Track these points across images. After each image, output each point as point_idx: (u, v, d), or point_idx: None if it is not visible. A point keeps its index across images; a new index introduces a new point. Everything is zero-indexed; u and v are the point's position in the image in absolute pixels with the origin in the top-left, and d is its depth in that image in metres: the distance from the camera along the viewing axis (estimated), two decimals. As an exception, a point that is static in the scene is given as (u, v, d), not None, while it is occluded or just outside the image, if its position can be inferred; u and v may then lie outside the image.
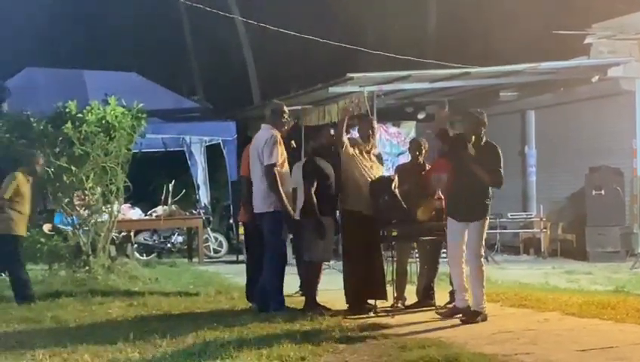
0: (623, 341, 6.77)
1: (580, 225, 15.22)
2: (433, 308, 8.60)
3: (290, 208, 8.25)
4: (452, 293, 8.54)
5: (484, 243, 8.03)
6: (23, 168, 9.99)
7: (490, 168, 7.81)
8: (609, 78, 14.84)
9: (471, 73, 14.83)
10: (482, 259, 7.98)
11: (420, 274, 9.07)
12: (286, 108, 8.62)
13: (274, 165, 8.18)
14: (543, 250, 15.67)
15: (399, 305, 8.70)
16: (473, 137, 7.86)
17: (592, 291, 10.28)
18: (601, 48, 15.96)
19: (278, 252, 8.35)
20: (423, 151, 9.15)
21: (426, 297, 8.90)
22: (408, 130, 17.37)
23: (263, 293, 8.40)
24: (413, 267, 9.38)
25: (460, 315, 7.89)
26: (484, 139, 7.94)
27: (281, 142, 8.37)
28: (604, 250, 14.71)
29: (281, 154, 8.30)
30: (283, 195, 8.18)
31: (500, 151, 7.92)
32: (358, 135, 9.17)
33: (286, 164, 8.47)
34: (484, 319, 7.77)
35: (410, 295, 8.96)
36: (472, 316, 7.77)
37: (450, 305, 8.46)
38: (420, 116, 17.90)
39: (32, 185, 9.99)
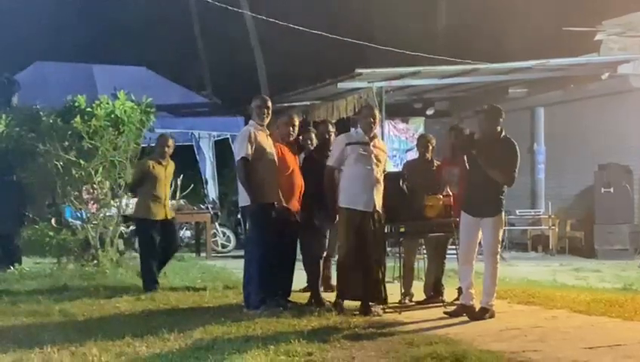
0: (631, 339, 6.75)
1: (589, 223, 15.19)
2: (441, 304, 8.58)
3: (257, 201, 8.08)
4: (460, 290, 8.54)
5: (500, 241, 7.95)
6: (152, 154, 10.37)
7: (503, 165, 7.75)
8: (619, 75, 14.80)
9: (480, 69, 14.82)
10: (498, 257, 7.91)
11: (428, 271, 9.07)
12: (269, 103, 8.49)
13: (242, 159, 8.15)
14: (551, 247, 15.65)
15: (406, 301, 8.71)
16: (490, 132, 7.82)
17: (600, 289, 10.25)
18: (612, 45, 15.92)
19: (258, 247, 8.24)
20: (431, 148, 9.09)
21: (435, 293, 8.89)
22: (417, 126, 17.37)
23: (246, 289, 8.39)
24: (421, 263, 9.39)
25: (468, 313, 7.85)
26: (502, 134, 7.88)
27: (258, 137, 8.24)
28: (613, 247, 14.69)
29: (254, 149, 8.16)
30: (252, 189, 8.08)
31: (516, 149, 7.84)
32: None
33: (270, 155, 8.30)
34: (492, 316, 7.76)
35: (418, 291, 8.96)
36: (480, 313, 7.76)
37: (457, 302, 8.46)
38: (429, 112, 17.93)
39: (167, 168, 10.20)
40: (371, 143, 8.18)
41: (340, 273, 8.24)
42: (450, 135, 9.19)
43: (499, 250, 7.96)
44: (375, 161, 8.14)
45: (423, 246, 9.29)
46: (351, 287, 8.09)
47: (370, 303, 8.01)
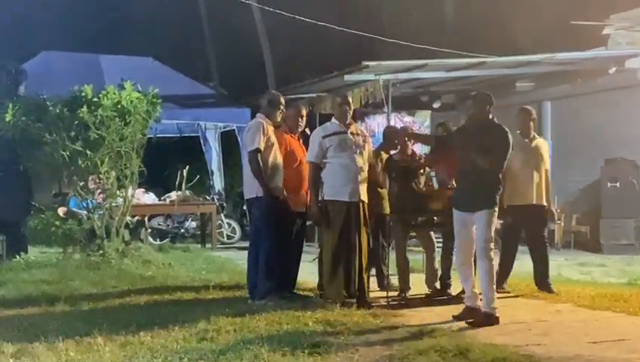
0: (636, 333, 6.76)
1: (595, 217, 15.18)
2: (447, 298, 8.58)
3: (269, 193, 8.07)
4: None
5: (493, 236, 7.38)
6: None
7: (487, 149, 7.29)
8: (626, 70, 14.73)
9: (487, 63, 14.78)
10: (492, 254, 7.32)
11: (427, 264, 9.01)
12: (282, 99, 8.47)
13: (256, 151, 8.12)
14: (556, 241, 15.61)
15: (403, 294, 8.62)
16: (477, 119, 7.47)
17: (605, 283, 10.26)
18: (620, 39, 15.87)
19: (266, 238, 8.23)
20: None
21: (442, 287, 8.87)
22: (423, 119, 17.35)
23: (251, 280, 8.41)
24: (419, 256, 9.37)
25: (474, 317, 7.32)
26: (491, 119, 7.47)
27: (268, 130, 8.23)
28: (618, 242, 14.69)
29: (265, 142, 8.15)
30: (266, 181, 8.09)
31: (506, 136, 7.38)
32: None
33: (277, 153, 8.31)
34: (497, 322, 7.20)
35: (420, 284, 8.95)
36: (484, 320, 7.20)
37: (463, 295, 8.44)
38: (436, 105, 17.89)
39: None
40: (348, 131, 8.10)
41: (323, 267, 8.17)
42: (437, 131, 9.24)
43: (492, 246, 7.35)
44: (355, 148, 8.04)
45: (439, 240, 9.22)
46: (335, 284, 7.97)
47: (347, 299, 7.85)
